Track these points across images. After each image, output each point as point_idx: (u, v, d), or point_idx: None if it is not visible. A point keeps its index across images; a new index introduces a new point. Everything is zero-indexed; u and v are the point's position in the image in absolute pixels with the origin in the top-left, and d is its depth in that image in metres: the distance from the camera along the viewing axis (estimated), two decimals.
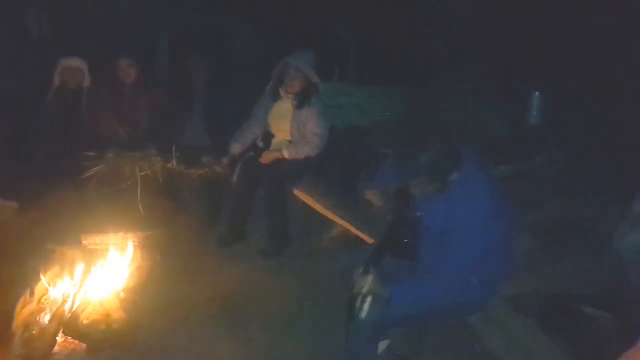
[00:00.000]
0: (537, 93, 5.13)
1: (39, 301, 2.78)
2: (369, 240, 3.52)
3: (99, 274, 2.99)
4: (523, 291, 2.86)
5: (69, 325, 2.70)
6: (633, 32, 4.56)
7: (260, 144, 4.27)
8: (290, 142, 4.15)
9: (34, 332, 2.61)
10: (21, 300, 2.72)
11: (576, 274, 3.04)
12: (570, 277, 3.04)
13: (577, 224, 3.46)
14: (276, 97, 4.19)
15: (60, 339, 2.69)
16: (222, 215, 4.31)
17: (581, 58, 5.10)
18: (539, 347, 2.48)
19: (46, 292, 2.84)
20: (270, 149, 4.20)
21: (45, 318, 2.68)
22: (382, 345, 2.55)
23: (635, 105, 4.28)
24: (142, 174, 3.95)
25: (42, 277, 2.86)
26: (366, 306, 2.23)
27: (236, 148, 4.23)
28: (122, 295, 2.95)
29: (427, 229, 2.41)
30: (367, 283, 2.25)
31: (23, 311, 2.68)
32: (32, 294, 2.78)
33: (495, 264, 2.36)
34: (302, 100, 4.08)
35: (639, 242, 2.70)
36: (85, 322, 2.73)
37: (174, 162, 4.01)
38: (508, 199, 2.39)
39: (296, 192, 4.09)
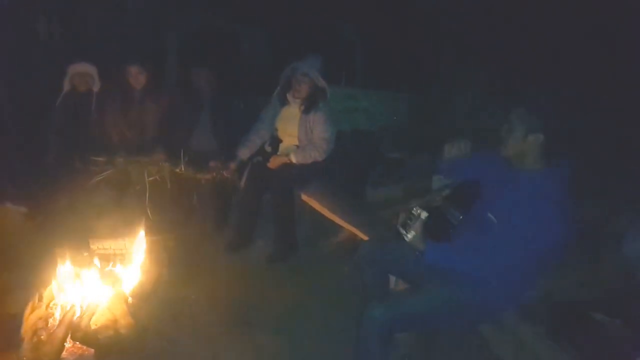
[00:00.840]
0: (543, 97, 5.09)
1: (48, 306, 2.78)
2: None
3: (106, 279, 2.99)
4: (532, 297, 2.83)
5: (77, 330, 2.69)
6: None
7: (268, 149, 4.29)
8: (297, 146, 4.16)
9: (42, 337, 2.61)
10: (29, 305, 2.73)
11: (587, 279, 3.02)
12: (580, 282, 3.02)
13: (584, 228, 3.43)
14: (284, 102, 4.20)
15: (68, 344, 2.69)
16: (229, 220, 4.31)
17: (588, 61, 5.07)
18: (547, 354, 2.45)
19: (54, 297, 2.85)
20: (278, 153, 4.21)
21: (54, 323, 2.70)
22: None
23: None
24: (151, 178, 3.96)
25: (50, 282, 2.88)
26: (410, 235, 2.39)
27: (244, 153, 4.25)
28: (130, 300, 2.95)
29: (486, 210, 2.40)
30: (423, 215, 2.38)
31: (31, 316, 2.68)
32: (40, 299, 2.78)
33: (522, 275, 2.35)
34: (310, 104, 4.08)
35: None
36: (93, 327, 2.73)
37: (182, 167, 4.03)
38: (572, 218, 2.31)
39: (303, 196, 4.09)
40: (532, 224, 2.18)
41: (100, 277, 2.99)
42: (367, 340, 2.32)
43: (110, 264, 3.13)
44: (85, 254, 3.16)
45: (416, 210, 2.41)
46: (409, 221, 2.41)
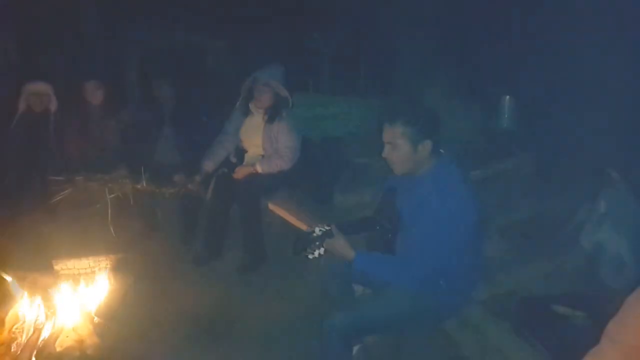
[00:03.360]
0: (506, 96, 5.19)
1: (10, 330, 2.73)
2: None
3: (71, 299, 2.94)
4: (496, 293, 2.88)
5: (42, 353, 2.64)
6: (602, 36, 4.64)
7: (233, 160, 4.28)
8: (263, 156, 4.16)
9: None
10: None
11: (549, 274, 3.08)
12: (543, 276, 3.07)
13: (547, 224, 3.50)
14: (246, 112, 4.20)
15: None
16: (197, 233, 4.28)
17: (549, 60, 5.17)
18: (513, 350, 2.49)
19: (17, 320, 2.79)
20: (243, 164, 4.20)
21: (18, 347, 2.64)
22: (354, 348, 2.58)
23: (601, 106, 4.36)
24: (112, 196, 3.92)
25: (12, 305, 2.82)
26: (317, 252, 2.37)
27: (209, 165, 4.23)
28: (96, 320, 2.90)
29: (400, 220, 2.44)
30: (332, 239, 2.34)
31: None
32: (2, 324, 2.73)
33: (463, 267, 2.39)
34: (273, 114, 4.09)
35: (605, 239, 2.76)
36: (58, 349, 2.69)
37: (144, 183, 3.99)
38: (478, 201, 2.41)
39: (270, 205, 4.07)
40: (437, 217, 2.25)
41: (64, 298, 2.94)
42: (329, 347, 2.34)
43: (75, 284, 3.07)
44: (49, 275, 3.11)
45: (314, 229, 2.42)
46: (311, 243, 2.40)
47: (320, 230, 2.38)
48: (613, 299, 2.09)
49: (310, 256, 2.37)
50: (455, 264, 2.33)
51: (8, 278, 2.92)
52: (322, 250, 2.36)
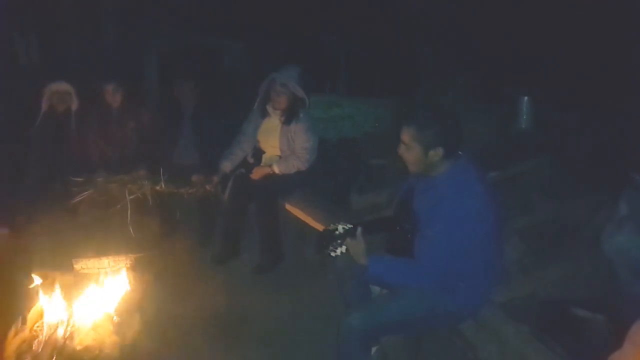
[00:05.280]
0: (525, 98, 5.15)
1: (31, 328, 2.77)
2: None
3: (91, 298, 2.98)
4: (515, 296, 2.86)
5: (63, 351, 2.67)
6: (621, 36, 4.59)
7: (251, 160, 4.29)
8: (280, 157, 4.17)
9: None
10: (13, 328, 2.71)
11: (568, 277, 3.04)
12: (562, 279, 3.04)
13: (567, 226, 3.47)
14: (264, 114, 4.22)
15: None
16: (214, 233, 4.30)
17: (567, 60, 5.12)
18: (532, 353, 2.46)
19: (38, 318, 2.83)
20: (261, 164, 4.22)
21: (39, 345, 2.68)
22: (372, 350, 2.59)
23: (622, 107, 4.31)
24: (132, 196, 3.96)
25: (34, 304, 2.86)
26: (339, 250, 2.35)
27: (226, 166, 4.26)
28: (115, 318, 2.93)
29: (417, 220, 2.44)
30: (354, 240, 2.34)
31: (15, 339, 2.67)
32: (24, 322, 2.77)
33: (482, 269, 2.38)
34: (290, 115, 4.10)
35: (626, 242, 2.72)
36: (78, 347, 2.72)
37: (163, 184, 4.03)
38: (498, 202, 2.40)
39: (287, 206, 4.09)
40: (452, 219, 2.25)
41: (84, 297, 2.98)
42: (347, 348, 2.34)
43: (94, 283, 3.11)
44: (69, 274, 3.14)
45: (337, 227, 2.40)
46: (333, 241, 2.39)
47: (343, 228, 2.38)
48: (633, 303, 2.07)
49: (333, 254, 2.37)
50: (473, 265, 2.31)
51: (32, 276, 2.96)
52: (343, 248, 2.36)
